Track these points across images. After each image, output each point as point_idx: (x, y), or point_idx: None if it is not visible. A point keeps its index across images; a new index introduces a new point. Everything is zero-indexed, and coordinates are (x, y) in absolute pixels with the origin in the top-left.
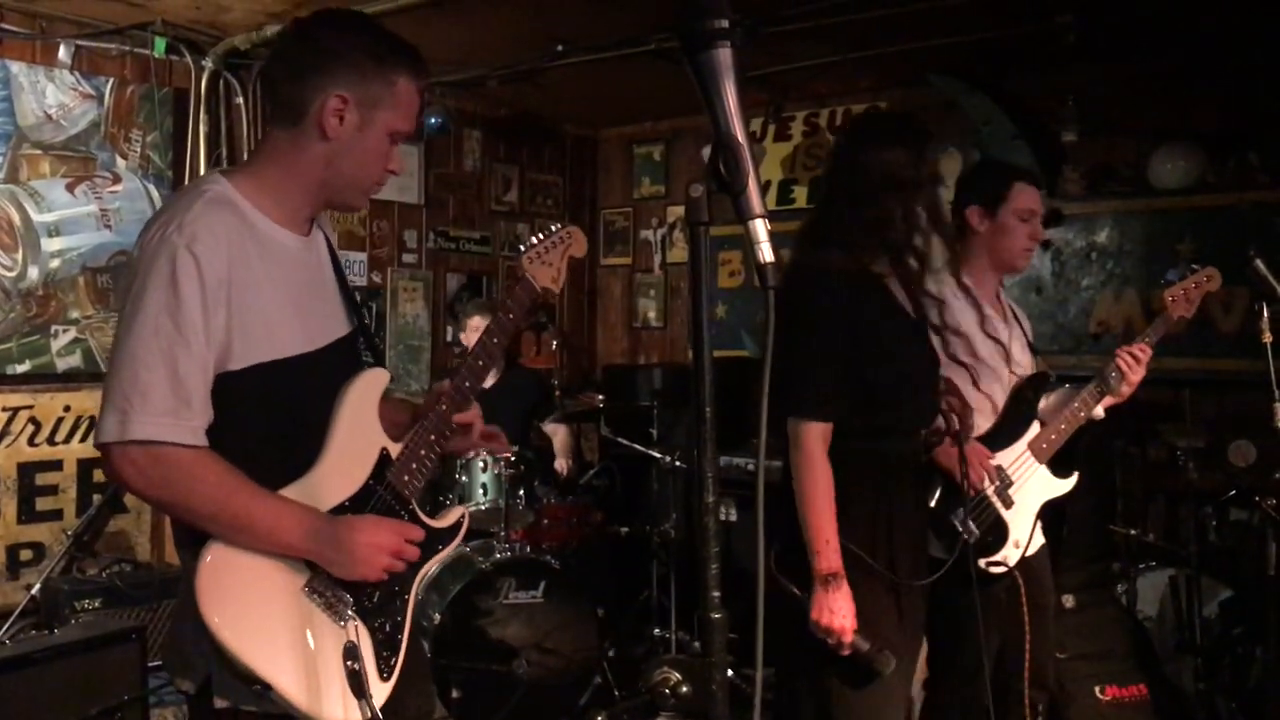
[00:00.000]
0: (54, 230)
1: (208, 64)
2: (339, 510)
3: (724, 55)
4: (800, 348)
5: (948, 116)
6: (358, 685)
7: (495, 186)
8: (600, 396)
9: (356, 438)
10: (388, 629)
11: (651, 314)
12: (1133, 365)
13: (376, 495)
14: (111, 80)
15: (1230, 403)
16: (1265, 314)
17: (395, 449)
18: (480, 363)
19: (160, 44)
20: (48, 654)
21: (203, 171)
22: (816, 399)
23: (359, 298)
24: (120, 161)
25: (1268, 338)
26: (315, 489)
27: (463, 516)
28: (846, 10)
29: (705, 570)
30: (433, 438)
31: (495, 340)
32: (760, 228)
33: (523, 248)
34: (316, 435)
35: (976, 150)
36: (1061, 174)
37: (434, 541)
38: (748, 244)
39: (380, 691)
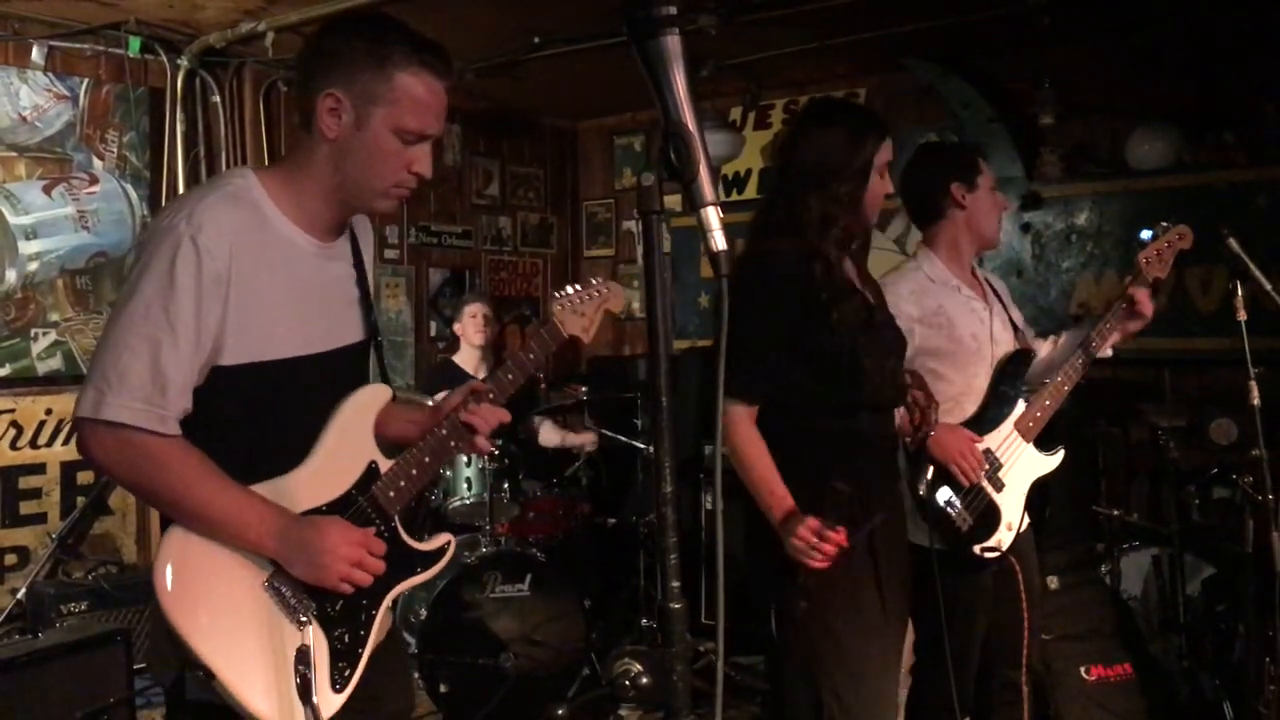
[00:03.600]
0: (31, 233)
1: (183, 63)
2: (313, 514)
3: (672, 42)
4: (739, 330)
5: (925, 101)
6: (305, 691)
7: (476, 180)
8: (584, 388)
9: (346, 447)
10: (347, 640)
11: (635, 305)
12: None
13: (356, 505)
14: (86, 81)
15: (1211, 381)
16: (1240, 292)
17: (386, 464)
18: (490, 396)
19: (135, 43)
20: (33, 658)
21: (181, 171)
22: (744, 380)
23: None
24: (97, 162)
25: (1242, 315)
26: (293, 489)
27: (448, 544)
28: None
29: (665, 560)
30: (427, 459)
31: (510, 378)
32: (712, 215)
33: (557, 295)
34: (306, 437)
35: (954, 135)
36: (1039, 156)
37: (412, 562)
38: (700, 232)
39: (331, 703)
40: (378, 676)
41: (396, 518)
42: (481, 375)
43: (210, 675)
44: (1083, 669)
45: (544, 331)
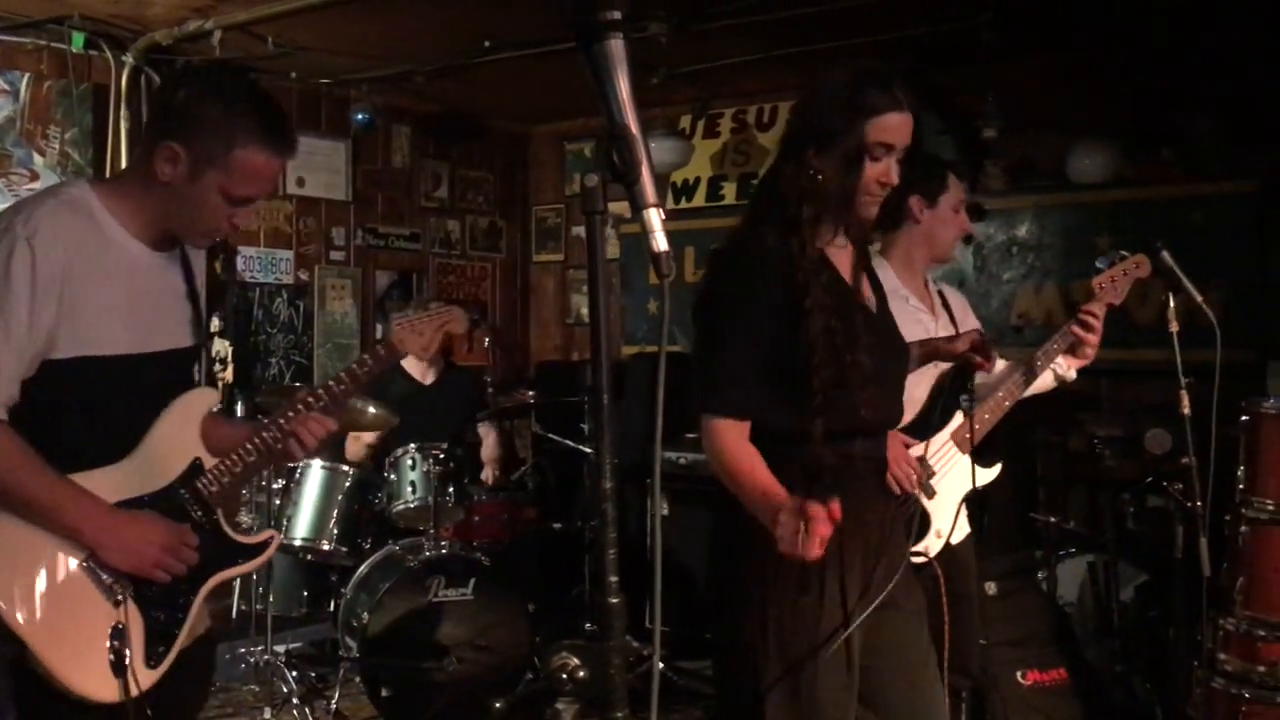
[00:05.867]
0: None
1: (128, 60)
2: (134, 503)
3: (616, 47)
4: (710, 337)
5: None
6: (119, 665)
7: (425, 183)
8: (532, 393)
9: (171, 443)
10: (163, 620)
11: (584, 310)
12: (1093, 327)
13: (177, 497)
14: (27, 75)
15: (1147, 392)
16: (1172, 304)
17: (211, 461)
18: (322, 405)
19: (78, 39)
20: None
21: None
22: (726, 393)
23: (284, 296)
24: (38, 159)
25: (1175, 327)
26: (117, 478)
27: (271, 538)
28: (771, 8)
29: (603, 556)
30: (251, 459)
31: (341, 388)
32: (654, 217)
33: (397, 316)
34: (133, 431)
35: None
36: (983, 169)
37: (233, 554)
38: (642, 233)
39: (144, 678)
40: (179, 671)
41: (219, 511)
42: (429, 381)
43: (24, 647)
44: (1019, 674)
45: (380, 348)
